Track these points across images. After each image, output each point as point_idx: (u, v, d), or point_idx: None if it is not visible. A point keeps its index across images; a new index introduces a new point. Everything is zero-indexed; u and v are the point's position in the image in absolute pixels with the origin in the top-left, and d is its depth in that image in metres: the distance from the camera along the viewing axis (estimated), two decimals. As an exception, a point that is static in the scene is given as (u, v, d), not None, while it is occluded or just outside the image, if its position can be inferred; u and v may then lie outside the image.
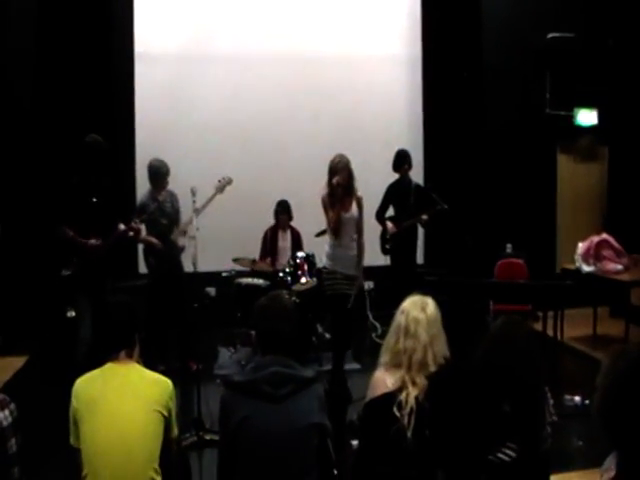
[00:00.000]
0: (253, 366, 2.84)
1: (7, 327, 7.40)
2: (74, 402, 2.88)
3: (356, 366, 6.69)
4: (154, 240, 6.51)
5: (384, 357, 3.02)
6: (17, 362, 6.99)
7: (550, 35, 8.65)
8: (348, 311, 5.73)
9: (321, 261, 6.17)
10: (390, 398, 2.85)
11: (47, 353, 7.16)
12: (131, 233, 6.05)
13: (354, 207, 5.73)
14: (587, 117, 8.89)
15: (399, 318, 3.03)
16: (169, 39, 8.47)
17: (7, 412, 2.72)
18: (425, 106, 9.02)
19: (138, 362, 3.05)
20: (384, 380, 2.94)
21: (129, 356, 3.00)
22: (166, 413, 2.92)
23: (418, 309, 3.01)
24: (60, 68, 7.79)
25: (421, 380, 2.86)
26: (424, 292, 3.18)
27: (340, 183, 5.57)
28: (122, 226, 5.95)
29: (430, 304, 3.05)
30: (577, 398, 5.58)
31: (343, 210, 5.67)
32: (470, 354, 2.86)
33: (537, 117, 8.75)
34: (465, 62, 8.77)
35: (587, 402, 5.41)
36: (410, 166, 7.32)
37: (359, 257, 5.81)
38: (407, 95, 9.04)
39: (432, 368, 2.89)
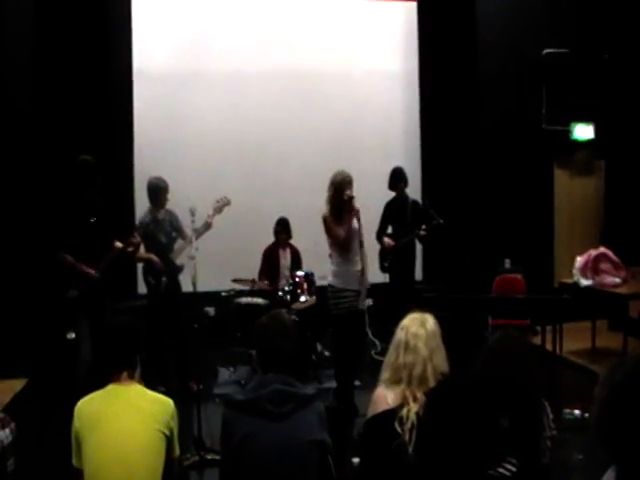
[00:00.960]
0: (254, 384, 2.88)
1: (5, 349, 7.39)
2: (76, 423, 2.91)
3: (355, 383, 6.66)
4: (154, 257, 6.52)
5: (385, 374, 3.05)
6: (16, 385, 6.95)
7: (546, 50, 8.73)
8: (362, 326, 5.78)
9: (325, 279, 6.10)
10: (391, 414, 2.87)
11: (47, 375, 7.13)
12: (130, 248, 6.06)
13: (356, 223, 5.73)
14: (584, 131, 8.93)
15: (399, 334, 3.06)
16: (167, 56, 8.52)
17: (8, 431, 2.77)
18: (422, 120, 9.07)
19: (139, 382, 3.08)
20: (385, 397, 2.96)
21: (131, 377, 3.03)
22: (168, 432, 2.95)
23: (417, 325, 3.05)
24: (58, 86, 7.80)
25: (422, 395, 2.89)
26: (422, 309, 3.21)
27: (353, 197, 5.59)
28: (119, 243, 5.97)
29: (429, 320, 3.09)
30: (577, 411, 5.60)
31: (346, 224, 5.67)
32: (469, 369, 2.89)
33: (533, 132, 8.79)
34: (461, 77, 8.82)
35: (586, 415, 5.40)
36: (406, 184, 7.38)
37: (363, 270, 5.77)
38: (404, 110, 9.11)
39: (432, 383, 2.92)
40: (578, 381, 6.65)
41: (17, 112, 7.59)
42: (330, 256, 5.89)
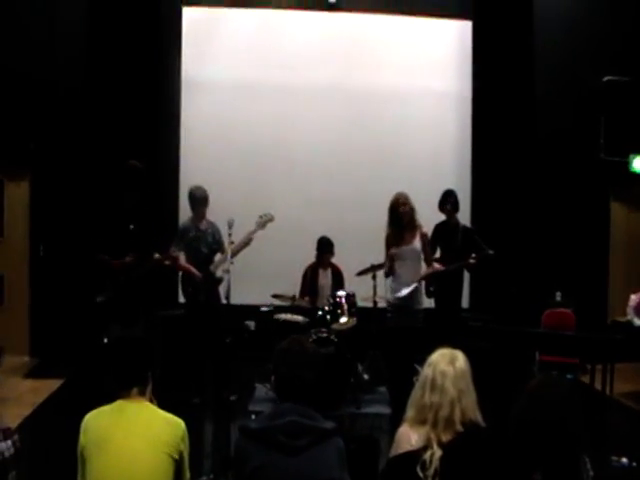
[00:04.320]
0: (270, 413, 2.71)
1: (45, 349, 7.42)
2: (82, 438, 2.79)
3: (388, 410, 6.46)
4: (193, 270, 6.47)
5: (409, 412, 2.84)
6: (53, 385, 6.99)
7: (606, 78, 8.45)
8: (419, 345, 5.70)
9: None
10: (413, 457, 2.66)
11: (82, 378, 7.12)
12: (167, 262, 5.99)
13: (417, 240, 5.95)
14: (643, 164, 8.60)
15: (426, 371, 2.86)
16: (216, 67, 8.57)
17: (10, 442, 2.68)
18: (474, 144, 8.88)
19: (151, 400, 2.93)
20: (408, 436, 2.76)
21: (141, 394, 2.88)
22: (177, 456, 2.79)
23: (446, 362, 2.83)
24: (108, 93, 7.90)
25: (447, 439, 2.68)
26: (467, 338, 3.04)
27: (407, 212, 5.87)
28: (157, 255, 5.90)
29: (460, 357, 2.87)
30: (624, 460, 5.21)
31: (404, 244, 5.89)
32: (508, 410, 2.64)
33: (591, 162, 8.51)
34: (516, 100, 8.58)
35: (635, 464, 5.07)
36: (454, 207, 7.15)
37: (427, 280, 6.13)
38: (456, 132, 8.92)
39: (459, 427, 2.71)
40: (627, 425, 6.38)
41: (69, 117, 7.75)
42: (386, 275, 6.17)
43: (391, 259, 5.91)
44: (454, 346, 2.97)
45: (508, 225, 8.45)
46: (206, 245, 6.57)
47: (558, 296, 7.95)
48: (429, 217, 7.10)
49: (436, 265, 7.01)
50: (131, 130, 7.84)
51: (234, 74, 8.55)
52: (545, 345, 6.53)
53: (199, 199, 6.52)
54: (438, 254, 7.24)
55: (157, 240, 6.03)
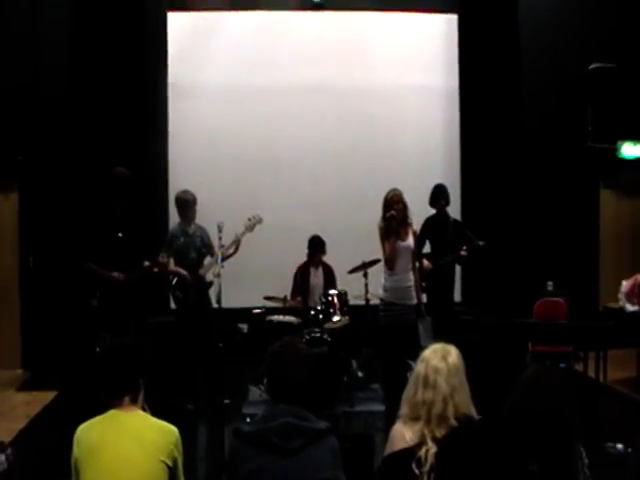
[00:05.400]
0: (263, 415, 2.72)
1: (37, 361, 7.37)
2: (75, 450, 2.78)
3: (382, 408, 6.43)
4: (183, 271, 6.47)
5: (403, 409, 2.84)
6: (46, 397, 6.94)
7: (593, 65, 8.44)
8: (414, 341, 5.82)
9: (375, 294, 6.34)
10: (408, 454, 2.66)
11: (76, 389, 7.07)
12: (156, 269, 5.98)
13: (410, 237, 6.00)
14: (631, 150, 8.61)
15: (419, 367, 2.86)
16: (204, 71, 8.53)
17: (3, 457, 2.65)
18: (462, 137, 8.88)
19: (143, 408, 2.93)
20: (402, 434, 2.76)
21: (133, 402, 2.88)
22: (171, 463, 2.79)
23: (439, 358, 2.83)
24: (93, 99, 7.84)
25: (442, 435, 2.69)
26: (460, 332, 3.04)
27: (394, 216, 5.84)
28: (146, 263, 5.90)
29: (453, 353, 2.87)
30: (619, 446, 5.19)
31: (399, 240, 5.91)
32: (503, 402, 2.65)
33: (579, 150, 8.50)
34: (503, 92, 8.58)
35: (630, 450, 5.02)
36: (447, 202, 7.20)
37: (417, 287, 6.06)
38: (444, 126, 8.93)
39: (453, 422, 2.71)
40: (622, 412, 6.40)
41: (55, 127, 7.65)
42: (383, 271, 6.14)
43: (392, 253, 5.88)
44: (447, 340, 2.98)
45: (498, 217, 8.46)
46: (195, 249, 6.59)
47: (550, 286, 7.97)
48: (418, 212, 7.12)
49: (425, 262, 7.09)
50: (118, 137, 7.80)
51: (221, 77, 8.53)
52: (537, 335, 6.57)
53: (186, 203, 6.53)
54: (428, 249, 7.29)
55: (146, 248, 6.02)
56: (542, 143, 8.48)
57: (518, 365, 6.52)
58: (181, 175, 8.20)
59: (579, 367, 6.53)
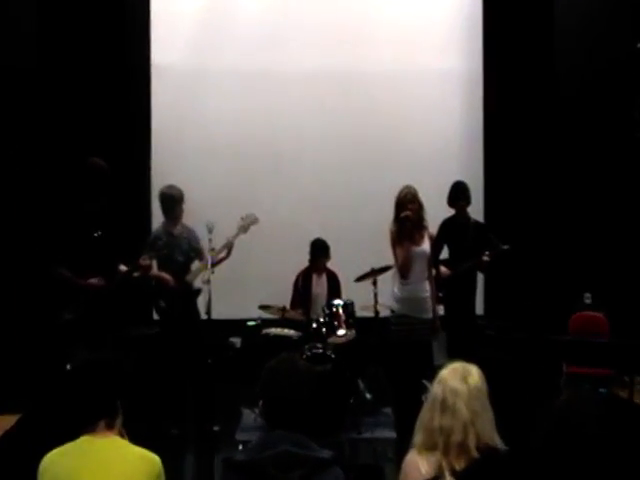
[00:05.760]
0: (258, 443, 2.73)
1: (-1, 381, 7.37)
2: None
3: (393, 435, 6.47)
4: (166, 276, 6.50)
5: (417, 436, 2.85)
6: (8, 421, 6.92)
7: (640, 44, 8.44)
8: (428, 359, 5.93)
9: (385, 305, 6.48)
10: (425, 489, 2.70)
11: (42, 412, 7.06)
12: (136, 273, 6.03)
13: (426, 242, 6.10)
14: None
15: (435, 389, 2.86)
16: (191, 51, 8.48)
17: None
18: (486, 128, 8.80)
19: (121, 434, 2.93)
20: (417, 465, 2.77)
21: (109, 427, 2.88)
22: (152, 497, 2.79)
23: (458, 378, 2.84)
24: (67, 81, 7.82)
25: (461, 467, 2.69)
26: (483, 350, 3.06)
27: (409, 217, 5.90)
28: (123, 267, 5.93)
29: (474, 373, 2.88)
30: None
31: (414, 245, 5.99)
32: (532, 432, 2.66)
33: (623, 142, 8.39)
34: (535, 76, 8.53)
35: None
36: (468, 201, 7.23)
37: (433, 298, 6.16)
38: (464, 115, 8.89)
39: (474, 453, 2.72)
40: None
41: (21, 109, 7.57)
42: (392, 279, 6.27)
43: (407, 259, 5.93)
44: (468, 359, 2.99)
45: (527, 218, 8.43)
46: (181, 253, 6.61)
47: (587, 298, 7.91)
48: (435, 213, 7.11)
49: (443, 270, 7.10)
50: (93, 124, 7.79)
51: (210, 60, 8.49)
52: (573, 355, 6.52)
53: (172, 199, 6.55)
54: (446, 254, 7.32)
55: (126, 250, 6.02)
56: (580, 133, 8.41)
57: (551, 389, 6.46)
58: (166, 168, 8.14)
59: (623, 393, 6.50)
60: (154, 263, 6.45)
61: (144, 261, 6.05)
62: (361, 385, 7.06)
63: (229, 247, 6.49)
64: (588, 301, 7.89)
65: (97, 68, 7.93)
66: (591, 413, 2.55)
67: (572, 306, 7.55)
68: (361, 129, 8.61)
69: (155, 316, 7.10)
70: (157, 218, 7.35)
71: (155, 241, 6.60)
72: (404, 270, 5.96)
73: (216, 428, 5.68)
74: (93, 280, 5.72)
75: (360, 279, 6.98)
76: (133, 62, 8.23)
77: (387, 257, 6.27)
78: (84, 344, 5.68)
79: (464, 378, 2.84)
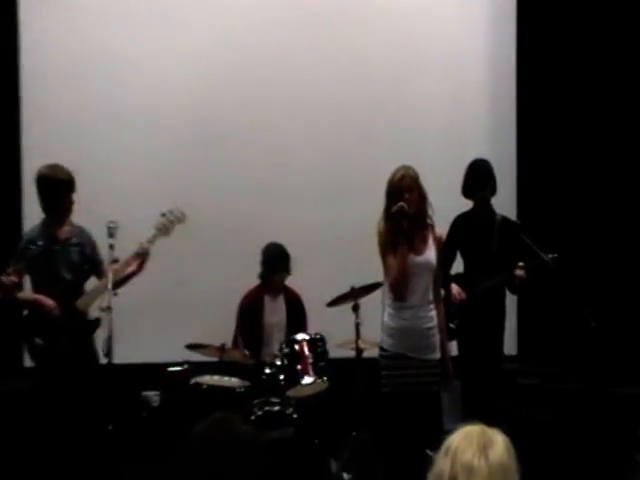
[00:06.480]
0: None
1: None
2: None
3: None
4: (46, 301, 6.28)
5: None
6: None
7: None
8: (436, 419, 5.87)
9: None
10: None
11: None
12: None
13: (431, 247, 5.94)
14: None
15: (441, 463, 2.76)
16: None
17: None
18: (520, 87, 8.93)
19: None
20: None
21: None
22: None
23: (475, 449, 2.74)
24: None
25: None
26: (514, 405, 2.95)
27: (405, 210, 5.72)
28: None
29: (497, 442, 2.78)
30: None
31: (412, 252, 5.84)
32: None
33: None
34: (591, 19, 8.69)
35: None
36: (493, 190, 7.23)
37: (442, 329, 6.05)
38: (489, 68, 8.99)
39: None
40: None
41: None
42: (382, 302, 6.11)
43: (403, 272, 5.80)
44: (490, 420, 2.87)
45: (577, 220, 8.63)
46: (69, 266, 6.44)
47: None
48: (444, 206, 6.89)
49: (455, 289, 7.12)
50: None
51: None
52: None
53: (55, 185, 6.32)
54: (461, 266, 7.34)
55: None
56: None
57: (620, 464, 6.27)
58: (44, 141, 8.07)
59: None
60: (27, 280, 6.34)
61: (8, 277, 5.87)
62: (334, 464, 7.02)
63: (142, 257, 6.41)
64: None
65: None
66: None
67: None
68: (345, 84, 8.60)
69: (28, 361, 7.01)
70: (32, 214, 7.15)
71: (28, 247, 6.40)
72: (399, 289, 5.83)
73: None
74: None
75: (335, 303, 6.96)
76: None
77: (374, 270, 6.17)
78: None
79: (484, 449, 2.76)
